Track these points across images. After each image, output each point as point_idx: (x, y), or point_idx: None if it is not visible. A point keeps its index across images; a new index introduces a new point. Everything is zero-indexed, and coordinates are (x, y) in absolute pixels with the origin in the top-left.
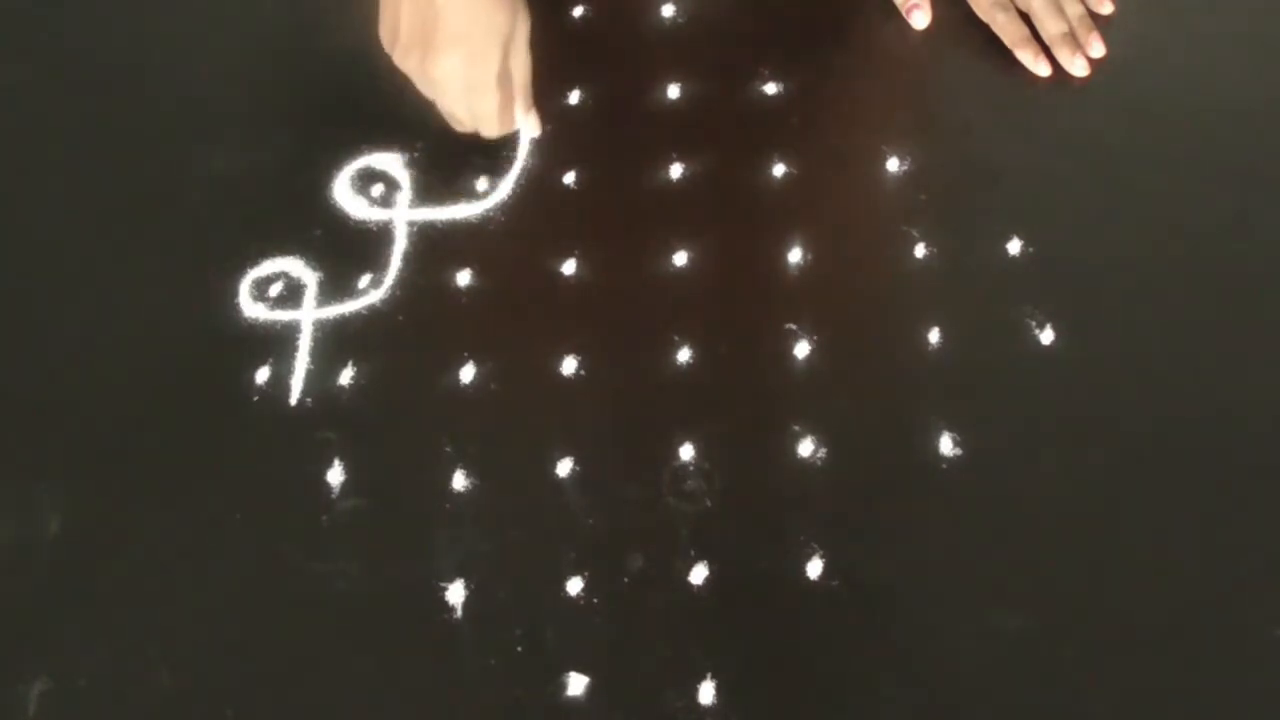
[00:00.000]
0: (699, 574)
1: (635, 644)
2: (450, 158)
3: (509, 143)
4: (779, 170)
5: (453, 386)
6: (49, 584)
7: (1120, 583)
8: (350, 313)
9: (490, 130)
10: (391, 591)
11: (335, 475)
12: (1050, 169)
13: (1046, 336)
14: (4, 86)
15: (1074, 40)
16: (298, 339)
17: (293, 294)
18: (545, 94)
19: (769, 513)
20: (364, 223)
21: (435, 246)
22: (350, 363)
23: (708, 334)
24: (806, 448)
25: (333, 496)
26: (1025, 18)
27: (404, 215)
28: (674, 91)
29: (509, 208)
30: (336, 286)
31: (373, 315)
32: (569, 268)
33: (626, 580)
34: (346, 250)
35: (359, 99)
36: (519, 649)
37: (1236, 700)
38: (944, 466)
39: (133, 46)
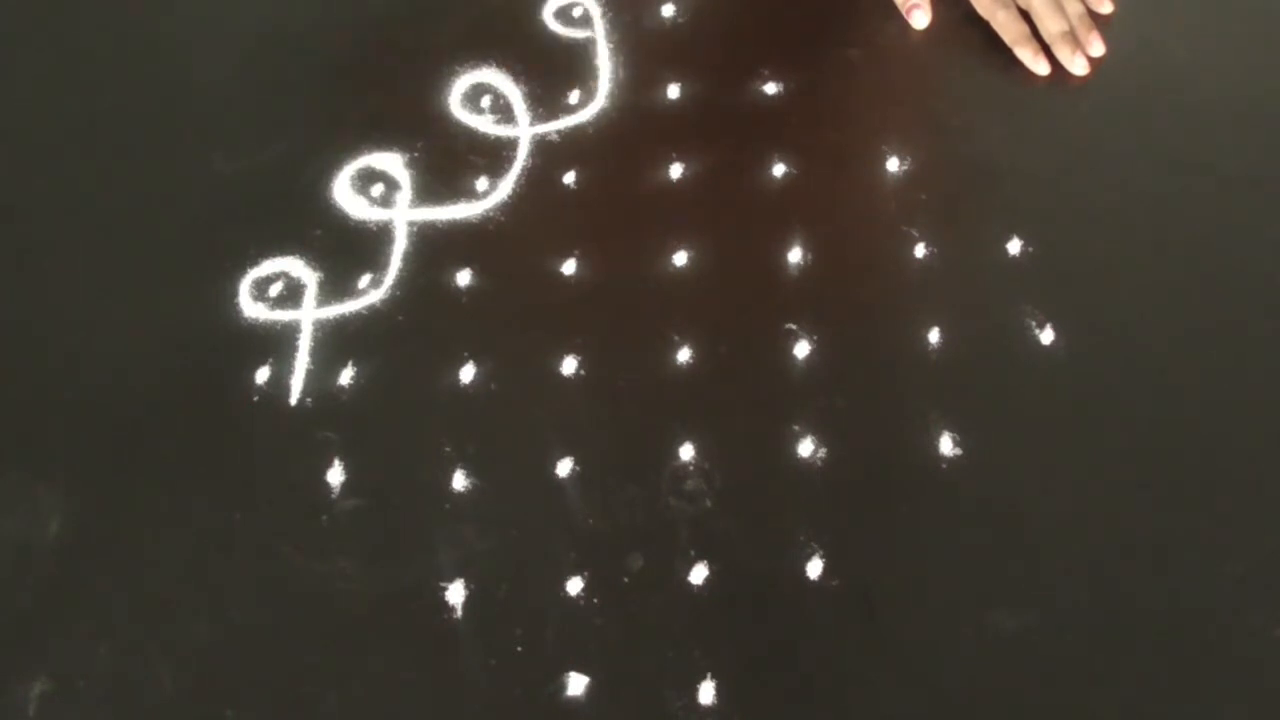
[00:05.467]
0: (699, 574)
1: (635, 644)
2: (450, 158)
3: (509, 143)
4: (779, 170)
5: (453, 386)
6: (49, 584)
7: (1120, 583)
8: (350, 313)
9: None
10: (391, 591)
11: (335, 475)
12: (1050, 169)
13: (1046, 336)
14: (4, 87)
15: (1074, 39)
16: (298, 339)
17: (293, 294)
18: (543, 98)
19: (769, 513)
20: (364, 223)
21: (435, 246)
22: (350, 363)
23: (708, 334)
24: (806, 448)
25: (333, 496)
26: (1026, 17)
27: (404, 215)
28: (674, 91)
29: (509, 208)
30: (336, 286)
31: (373, 315)
32: (569, 268)
33: (626, 580)
34: (346, 250)
35: (359, 99)
36: (519, 649)
37: (1236, 700)
38: (944, 466)
39: (133, 47)
